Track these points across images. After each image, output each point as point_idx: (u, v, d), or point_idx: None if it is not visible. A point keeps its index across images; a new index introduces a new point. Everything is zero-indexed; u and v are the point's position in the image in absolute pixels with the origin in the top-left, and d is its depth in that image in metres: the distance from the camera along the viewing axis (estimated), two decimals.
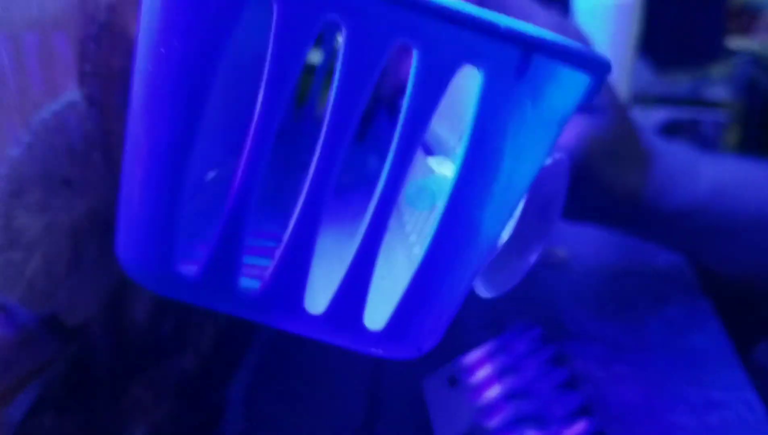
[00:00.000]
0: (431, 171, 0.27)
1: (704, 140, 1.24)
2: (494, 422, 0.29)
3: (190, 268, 0.18)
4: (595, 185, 0.33)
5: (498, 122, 0.16)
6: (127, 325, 0.29)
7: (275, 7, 0.15)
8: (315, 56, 0.39)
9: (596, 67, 0.16)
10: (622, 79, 0.78)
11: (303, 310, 0.18)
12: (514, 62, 0.15)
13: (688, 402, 0.32)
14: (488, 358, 0.33)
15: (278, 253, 0.18)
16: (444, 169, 0.24)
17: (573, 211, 0.35)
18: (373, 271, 0.17)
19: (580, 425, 0.28)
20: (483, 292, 0.21)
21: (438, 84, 0.15)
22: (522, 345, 0.33)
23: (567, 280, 0.42)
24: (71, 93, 0.25)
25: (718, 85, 1.22)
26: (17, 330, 0.23)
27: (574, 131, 0.32)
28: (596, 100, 0.33)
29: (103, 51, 0.27)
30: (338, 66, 0.16)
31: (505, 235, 0.19)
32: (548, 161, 0.19)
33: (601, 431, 0.28)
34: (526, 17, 0.32)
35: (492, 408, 0.30)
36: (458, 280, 0.18)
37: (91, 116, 0.27)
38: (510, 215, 0.18)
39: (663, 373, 0.34)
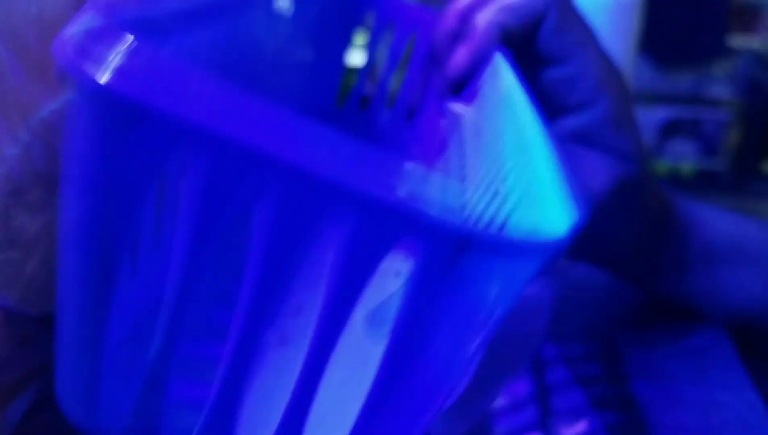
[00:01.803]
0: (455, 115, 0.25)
1: (705, 139, 1.23)
2: (494, 423, 0.29)
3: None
4: (604, 234, 0.34)
5: (426, 312, 0.14)
6: None
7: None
8: (357, 58, 0.39)
9: (542, 251, 0.14)
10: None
11: None
12: (445, 255, 0.13)
13: (690, 402, 0.32)
14: None
15: (202, 415, 0.16)
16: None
17: (581, 252, 0.36)
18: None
19: (581, 425, 0.28)
20: (438, 432, 0.20)
21: (365, 270, 0.14)
22: None
23: (568, 281, 0.42)
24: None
25: (720, 84, 1.22)
26: (16, 329, 0.23)
27: (604, 174, 0.32)
28: (625, 146, 0.32)
29: None
30: (252, 248, 0.14)
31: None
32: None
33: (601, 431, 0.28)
34: (584, 39, 0.32)
35: (491, 408, 0.30)
36: None
37: None
38: (449, 388, 0.17)
39: (665, 373, 0.34)
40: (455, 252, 0.13)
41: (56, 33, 0.24)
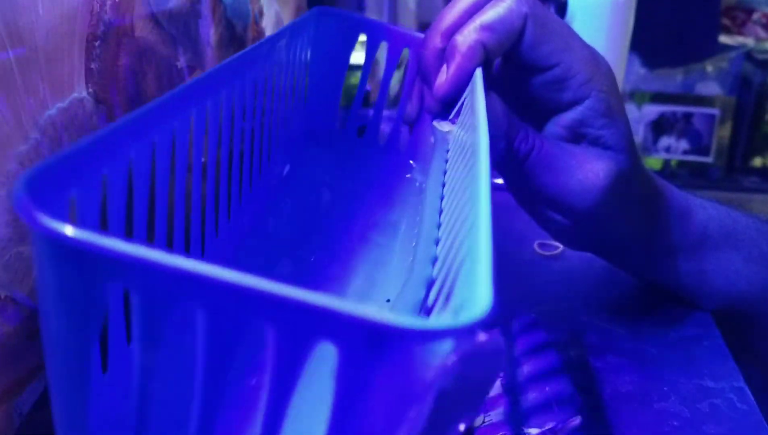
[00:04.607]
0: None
1: (696, 135, 1.24)
2: (493, 417, 0.30)
3: None
4: (604, 224, 0.35)
5: (355, 397, 0.15)
6: None
7: None
8: (358, 57, 0.40)
9: (455, 335, 0.15)
10: (615, 75, 0.79)
11: None
12: (365, 341, 0.15)
13: (680, 391, 0.32)
14: None
15: None
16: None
17: (580, 241, 0.37)
18: None
19: (576, 420, 0.28)
20: None
21: (296, 362, 0.15)
22: (520, 338, 0.34)
23: (562, 271, 0.43)
24: (78, 90, 0.26)
25: (710, 81, 1.23)
26: (27, 322, 0.24)
27: (601, 172, 0.33)
28: (615, 137, 0.34)
29: (109, 49, 0.28)
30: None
31: None
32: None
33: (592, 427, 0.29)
34: (565, 45, 0.32)
35: (491, 403, 0.30)
36: None
37: (97, 113, 0.27)
38: None
39: (655, 362, 0.34)
40: (371, 342, 0.15)
41: (63, 32, 0.25)
